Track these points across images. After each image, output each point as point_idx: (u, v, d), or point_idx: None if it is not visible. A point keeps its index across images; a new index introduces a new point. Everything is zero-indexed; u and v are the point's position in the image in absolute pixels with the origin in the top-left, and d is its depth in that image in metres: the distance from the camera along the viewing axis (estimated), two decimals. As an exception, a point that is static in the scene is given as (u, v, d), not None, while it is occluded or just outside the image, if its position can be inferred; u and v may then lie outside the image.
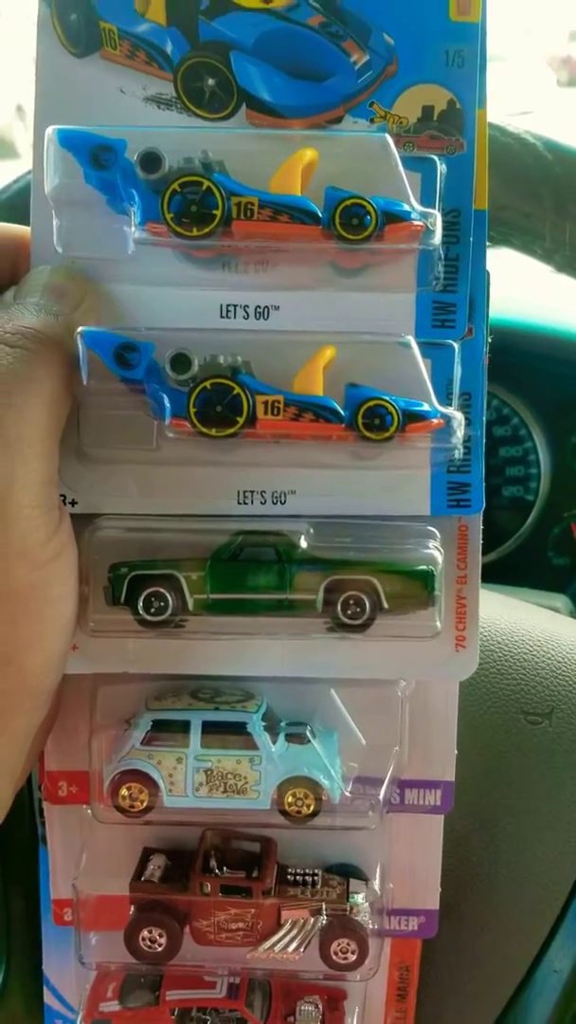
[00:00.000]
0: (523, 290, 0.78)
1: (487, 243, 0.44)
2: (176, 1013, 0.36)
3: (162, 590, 0.30)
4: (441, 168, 0.32)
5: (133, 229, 0.30)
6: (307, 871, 0.35)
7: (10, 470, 0.26)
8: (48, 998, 0.40)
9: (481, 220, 0.33)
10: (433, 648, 0.34)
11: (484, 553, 0.85)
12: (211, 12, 0.31)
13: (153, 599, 0.30)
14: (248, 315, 0.32)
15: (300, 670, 0.34)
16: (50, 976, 0.40)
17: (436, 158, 0.31)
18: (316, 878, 0.34)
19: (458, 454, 0.33)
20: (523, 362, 0.77)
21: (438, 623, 0.31)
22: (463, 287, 0.33)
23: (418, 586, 0.30)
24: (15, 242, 0.32)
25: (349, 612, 0.30)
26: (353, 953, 0.33)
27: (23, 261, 0.32)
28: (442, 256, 0.32)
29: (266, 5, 0.30)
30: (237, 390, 0.29)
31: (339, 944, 0.33)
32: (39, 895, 0.38)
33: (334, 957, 0.33)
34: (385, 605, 0.30)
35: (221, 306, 0.32)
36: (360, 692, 0.34)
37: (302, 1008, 0.36)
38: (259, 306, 0.32)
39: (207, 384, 0.29)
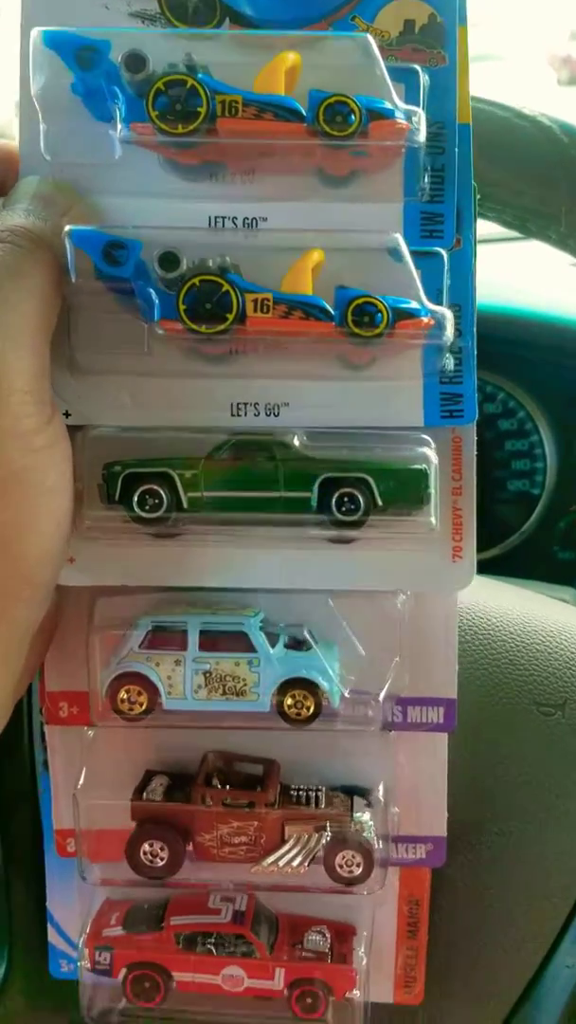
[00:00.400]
0: (533, 282, 0.78)
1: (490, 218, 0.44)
2: (181, 940, 0.35)
3: (156, 487, 0.30)
4: (424, 79, 0.32)
5: (119, 130, 0.30)
6: (311, 787, 0.34)
7: (2, 351, 0.26)
8: (52, 936, 0.39)
9: (465, 134, 0.33)
10: (430, 559, 0.34)
11: (489, 548, 0.85)
12: None
13: (147, 496, 0.30)
14: (236, 226, 0.32)
15: (298, 582, 0.34)
16: (54, 913, 0.39)
17: (419, 68, 0.32)
18: (320, 795, 0.34)
19: (450, 365, 0.33)
20: (531, 355, 0.77)
21: (434, 519, 0.31)
22: (450, 197, 0.33)
23: (412, 484, 0.30)
24: (4, 156, 0.33)
25: (343, 509, 0.30)
26: (358, 866, 0.33)
27: (12, 176, 0.33)
28: (428, 167, 0.33)
29: None
30: (226, 287, 0.30)
31: (343, 856, 0.33)
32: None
33: (338, 870, 0.33)
34: (379, 502, 0.30)
35: (209, 218, 0.32)
36: (358, 605, 0.34)
37: (309, 937, 0.36)
38: (247, 217, 0.32)
39: (196, 281, 0.30)
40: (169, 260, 0.30)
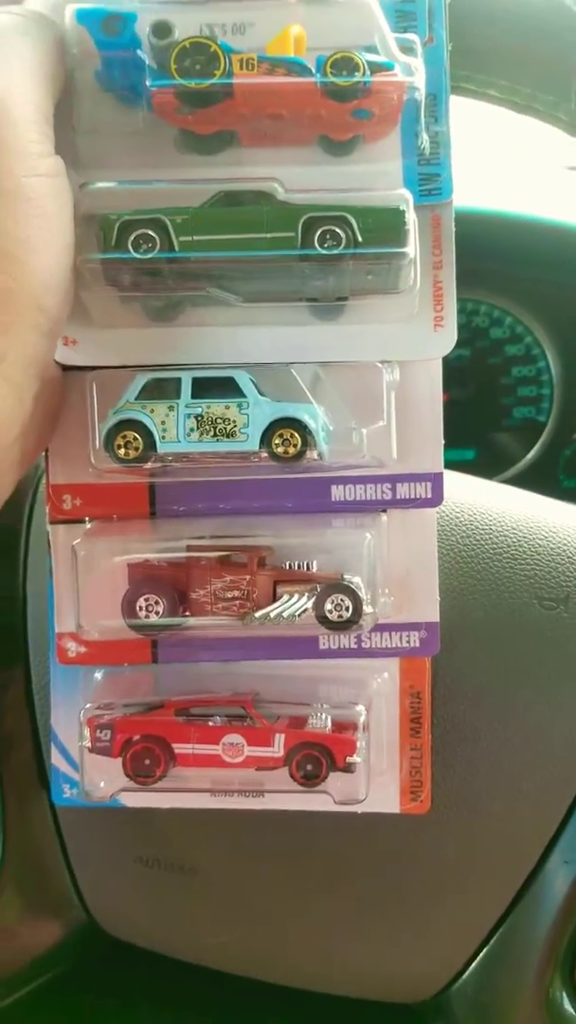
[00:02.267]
0: (535, 188, 0.79)
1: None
2: (181, 716, 0.36)
3: (150, 232, 0.32)
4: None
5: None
6: (303, 561, 0.35)
7: (11, 84, 0.29)
8: (55, 758, 0.40)
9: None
10: (413, 329, 0.35)
11: (494, 475, 0.85)
12: None
13: (141, 241, 0.32)
14: (227, 30, 0.34)
15: (289, 355, 0.35)
16: (58, 731, 0.40)
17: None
18: (311, 565, 0.35)
19: (427, 148, 0.35)
20: (538, 275, 0.78)
21: (409, 250, 0.32)
22: (421, -1, 0.35)
23: (390, 220, 0.32)
24: None
25: (325, 245, 0.32)
26: (347, 609, 0.34)
27: None
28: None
29: None
30: (214, 47, 0.32)
31: (333, 600, 0.34)
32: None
33: (329, 616, 0.34)
34: (359, 238, 0.32)
35: (201, 25, 0.35)
36: (345, 376, 0.35)
37: (311, 722, 0.36)
38: (237, 23, 0.34)
39: (186, 43, 0.32)
40: (163, 28, 0.32)
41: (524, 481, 0.82)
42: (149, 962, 0.43)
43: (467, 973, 0.40)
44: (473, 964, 0.39)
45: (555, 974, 0.38)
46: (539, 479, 0.82)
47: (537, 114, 0.42)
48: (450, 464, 0.86)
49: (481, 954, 0.39)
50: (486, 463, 0.83)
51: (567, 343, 0.81)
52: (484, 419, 0.82)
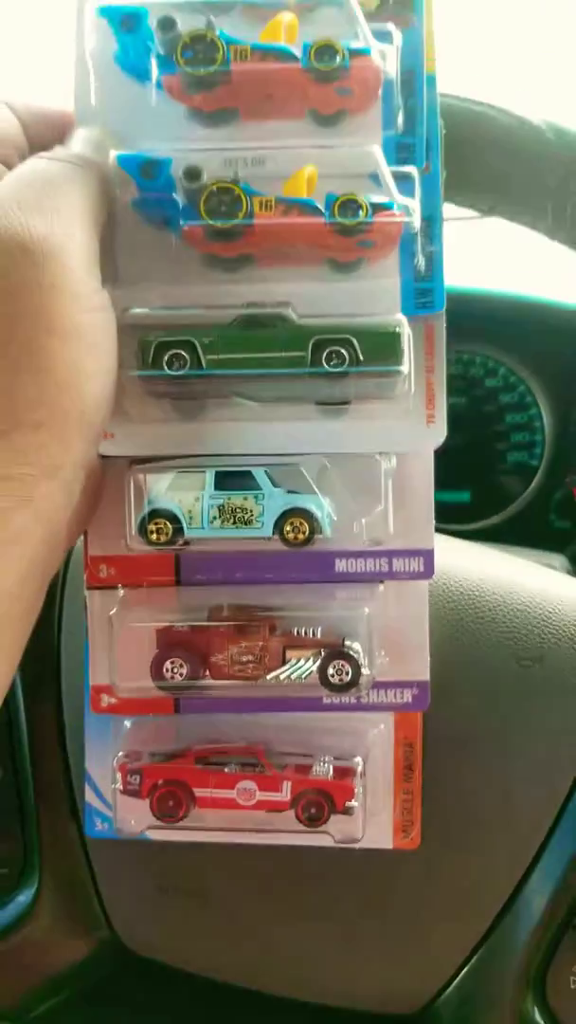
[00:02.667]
0: (536, 271, 0.85)
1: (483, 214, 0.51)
2: (201, 763, 0.41)
3: (182, 352, 0.37)
4: (397, 37, 0.40)
5: (154, 83, 0.38)
6: (308, 628, 0.41)
7: (64, 231, 0.34)
8: (89, 796, 0.45)
9: (431, 81, 0.41)
10: (408, 425, 0.40)
11: (490, 516, 0.91)
12: None
13: (175, 360, 0.37)
14: (247, 163, 0.40)
15: (298, 448, 0.40)
16: (91, 772, 0.45)
17: (392, 28, 0.40)
18: (316, 631, 0.40)
19: (422, 267, 0.41)
20: (532, 334, 0.84)
21: (404, 368, 0.38)
22: (420, 130, 0.40)
23: (387, 342, 0.37)
24: (63, 116, 0.41)
25: (332, 363, 0.37)
26: (347, 674, 0.39)
27: (68, 130, 0.40)
28: (401, 106, 0.40)
29: None
30: (237, 191, 0.37)
31: (335, 666, 0.39)
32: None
33: (331, 680, 0.39)
34: (360, 358, 0.37)
35: (225, 159, 0.40)
36: (347, 467, 0.40)
37: (315, 768, 0.42)
38: (256, 157, 0.40)
39: (214, 187, 0.37)
40: (193, 172, 0.37)
41: (517, 522, 0.88)
42: (166, 975, 0.48)
43: (451, 988, 0.45)
44: (456, 980, 0.44)
45: (528, 991, 0.43)
46: (532, 520, 0.88)
47: (524, 223, 0.48)
48: (447, 505, 0.93)
49: (463, 972, 0.44)
50: (481, 504, 0.88)
51: (557, 393, 0.86)
52: (479, 463, 0.87)
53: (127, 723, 0.44)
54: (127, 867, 0.48)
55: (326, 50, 0.37)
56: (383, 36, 0.40)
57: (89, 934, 0.49)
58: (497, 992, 0.44)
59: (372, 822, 0.43)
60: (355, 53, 0.38)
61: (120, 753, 0.42)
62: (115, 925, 0.48)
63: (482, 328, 0.82)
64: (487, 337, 0.83)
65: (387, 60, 0.38)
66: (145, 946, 0.49)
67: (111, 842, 0.45)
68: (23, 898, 0.47)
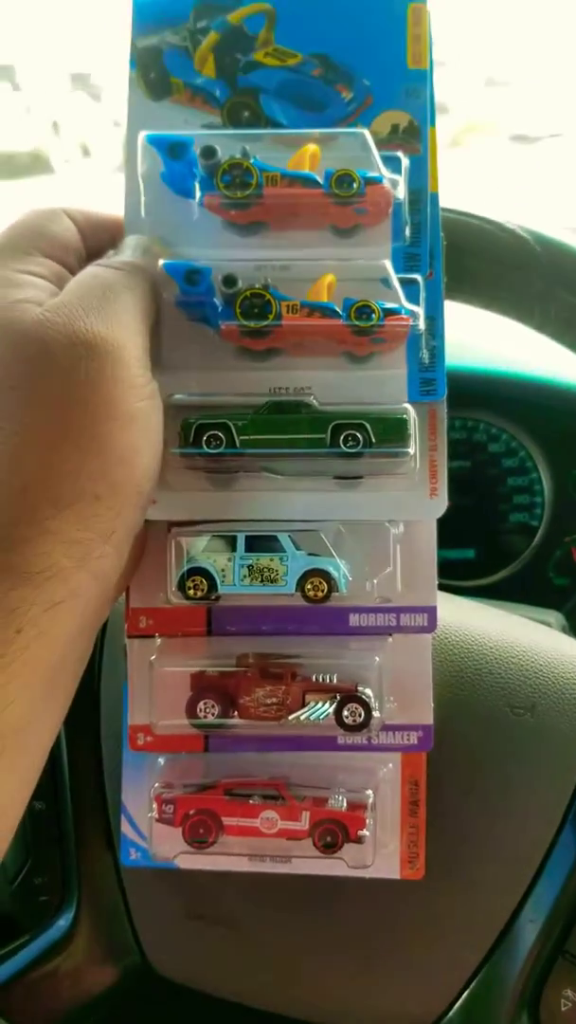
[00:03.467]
0: (532, 351, 0.91)
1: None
2: (228, 794, 0.46)
3: (219, 433, 0.43)
4: (405, 162, 0.47)
5: (196, 200, 0.45)
6: (325, 675, 0.46)
7: (123, 332, 0.40)
8: (124, 827, 0.49)
9: (434, 199, 0.47)
10: (414, 497, 0.46)
11: (493, 573, 0.96)
12: (246, 68, 0.47)
13: (212, 439, 0.43)
14: (275, 269, 0.46)
15: (317, 514, 0.46)
16: (127, 804, 0.50)
17: (400, 155, 0.46)
18: (333, 678, 0.45)
19: (426, 359, 0.47)
20: (531, 407, 0.90)
21: (411, 449, 0.43)
22: (424, 242, 0.47)
23: (396, 426, 0.43)
24: (114, 222, 0.47)
25: (348, 444, 0.43)
26: (360, 716, 0.44)
27: (119, 236, 0.47)
28: (408, 222, 0.47)
29: (283, 63, 0.47)
30: (268, 296, 0.43)
31: (349, 708, 0.44)
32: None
33: (346, 721, 0.44)
34: (373, 440, 0.43)
35: (256, 266, 0.46)
36: (361, 532, 0.46)
37: (330, 801, 0.46)
38: (282, 264, 0.46)
39: (247, 293, 0.43)
40: (230, 280, 0.43)
41: (519, 578, 0.93)
42: (194, 1000, 0.53)
43: (452, 1011, 0.49)
44: (457, 1004, 0.49)
45: (523, 1013, 0.47)
46: (532, 577, 0.93)
47: (515, 319, 0.54)
48: (453, 563, 0.98)
49: (463, 996, 0.48)
50: (484, 562, 0.93)
51: (555, 458, 0.91)
52: (483, 522, 0.93)
53: (160, 760, 0.49)
54: (159, 896, 0.52)
55: (345, 178, 0.44)
56: (393, 160, 0.47)
57: (122, 960, 0.53)
58: (495, 1015, 0.48)
59: (381, 853, 0.47)
60: (370, 181, 0.44)
61: (156, 784, 0.46)
62: (146, 951, 0.53)
63: (485, 399, 0.88)
64: (490, 407, 0.89)
65: (397, 186, 0.44)
66: (174, 972, 0.54)
67: (144, 871, 0.50)
68: (62, 923, 0.52)
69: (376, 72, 0.47)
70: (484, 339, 0.89)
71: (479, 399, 0.89)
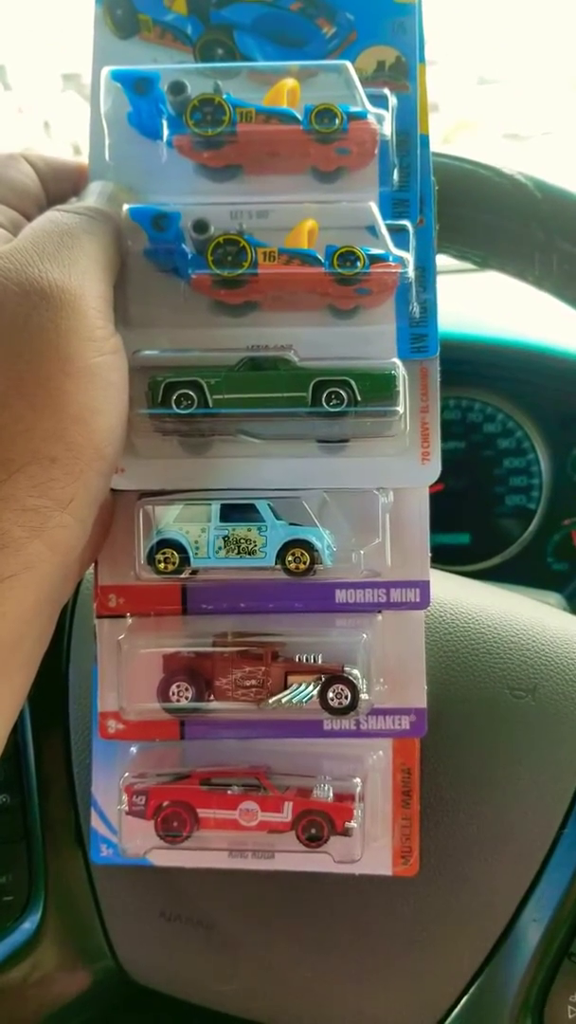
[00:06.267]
0: (532, 317, 0.88)
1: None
2: (204, 784, 0.42)
3: (190, 392, 0.40)
4: (392, 101, 0.43)
5: (164, 141, 0.41)
6: (309, 655, 0.42)
7: (81, 280, 0.36)
8: (95, 821, 0.46)
9: (425, 141, 0.43)
10: (404, 462, 0.42)
11: (490, 558, 0.93)
12: (220, 3, 0.43)
13: (182, 399, 0.40)
14: (251, 215, 0.43)
15: (299, 483, 0.42)
16: (98, 797, 0.46)
17: (387, 92, 0.43)
18: (317, 658, 0.42)
19: (417, 313, 0.43)
20: (529, 381, 0.86)
21: (400, 408, 0.40)
22: (414, 187, 0.43)
23: (383, 383, 0.39)
24: (78, 168, 0.44)
25: (332, 403, 0.39)
26: (346, 698, 0.40)
27: (84, 182, 0.43)
28: (397, 164, 0.43)
29: (259, -3, 0.43)
30: (242, 243, 0.40)
31: (334, 690, 0.40)
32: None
33: (331, 703, 0.40)
34: (358, 398, 0.39)
35: (230, 212, 0.43)
36: (347, 501, 0.42)
37: (315, 792, 0.43)
38: (260, 210, 0.43)
39: (220, 239, 0.40)
40: (201, 225, 0.40)
41: (516, 563, 0.89)
42: (170, 1007, 0.49)
43: (450, 1020, 0.45)
44: (455, 1012, 0.45)
45: (527, 1017, 0.44)
46: (530, 562, 0.89)
47: (512, 274, 0.51)
48: (447, 547, 0.94)
49: (464, 999, 0.45)
50: (480, 547, 0.90)
51: (554, 438, 0.88)
52: (478, 506, 0.89)
53: (133, 749, 0.45)
54: (132, 895, 0.48)
55: (326, 113, 0.40)
56: (379, 100, 0.43)
57: (93, 964, 0.50)
58: (496, 1019, 0.45)
59: (371, 848, 0.44)
60: (353, 116, 0.40)
61: (127, 774, 0.43)
62: (119, 955, 0.49)
63: (480, 375, 0.84)
64: (485, 383, 0.86)
65: (383, 122, 0.41)
66: (150, 977, 0.50)
67: (116, 869, 0.47)
68: (27, 926, 0.48)
69: (360, 5, 0.43)
70: (475, 306, 0.86)
71: (473, 376, 0.85)
